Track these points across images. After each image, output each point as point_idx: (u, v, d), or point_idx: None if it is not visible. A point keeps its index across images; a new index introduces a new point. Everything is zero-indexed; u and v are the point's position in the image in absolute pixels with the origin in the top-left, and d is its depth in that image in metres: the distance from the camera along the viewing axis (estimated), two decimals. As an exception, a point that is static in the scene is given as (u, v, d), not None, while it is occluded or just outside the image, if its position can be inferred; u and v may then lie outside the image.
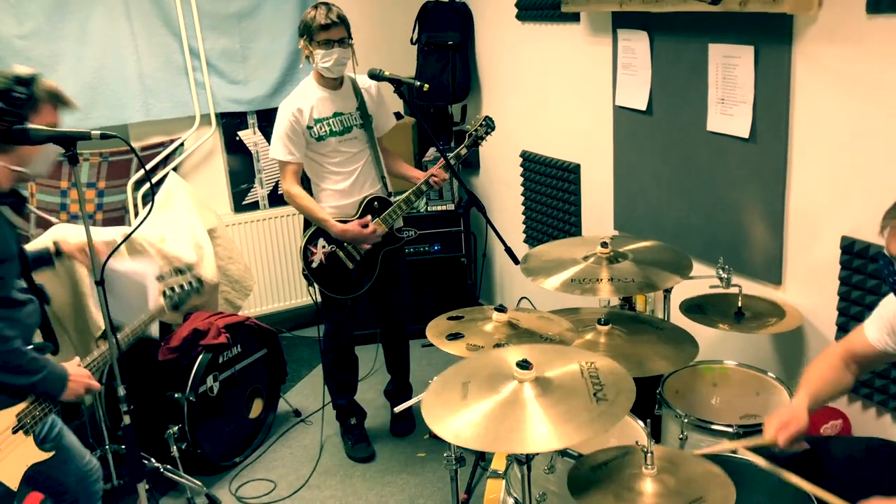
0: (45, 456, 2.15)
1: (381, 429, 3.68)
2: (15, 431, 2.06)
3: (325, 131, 3.16)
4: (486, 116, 3.27)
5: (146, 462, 3.10)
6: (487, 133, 3.27)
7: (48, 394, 2.15)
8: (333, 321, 3.39)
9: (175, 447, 3.10)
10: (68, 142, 2.05)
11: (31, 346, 2.12)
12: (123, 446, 3.03)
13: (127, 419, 2.31)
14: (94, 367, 2.32)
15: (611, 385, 1.80)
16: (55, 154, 2.12)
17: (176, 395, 3.17)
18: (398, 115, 4.62)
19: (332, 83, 3.19)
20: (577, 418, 1.70)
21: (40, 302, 2.22)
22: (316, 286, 3.26)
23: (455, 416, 1.77)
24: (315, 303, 3.34)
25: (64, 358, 2.25)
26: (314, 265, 3.22)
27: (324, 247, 3.22)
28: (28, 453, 2.10)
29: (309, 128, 3.14)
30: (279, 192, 4.59)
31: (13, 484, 2.04)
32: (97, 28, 3.95)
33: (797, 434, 1.89)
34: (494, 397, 1.79)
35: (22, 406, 2.08)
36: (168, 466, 3.13)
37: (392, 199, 3.31)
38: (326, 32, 3.03)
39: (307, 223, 3.28)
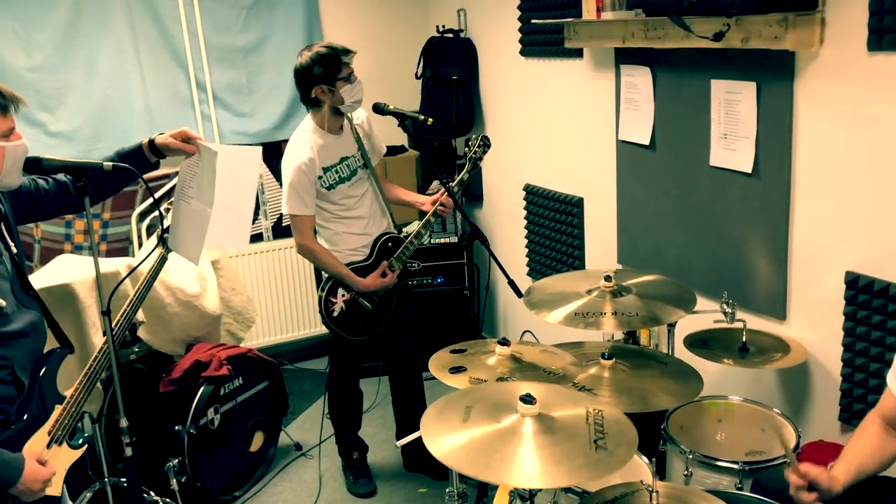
0: (78, 454, 2.12)
1: (383, 464, 3.64)
2: (49, 446, 2.06)
3: (335, 179, 3.12)
4: (483, 136, 3.21)
5: (146, 495, 3.07)
6: (485, 152, 3.21)
7: None
8: (342, 361, 3.37)
9: (175, 480, 3.07)
10: (80, 172, 2.05)
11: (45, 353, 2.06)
12: (123, 479, 3.00)
13: (128, 451, 2.29)
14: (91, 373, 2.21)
15: (613, 435, 1.77)
16: (21, 165, 1.94)
17: (176, 428, 3.15)
18: (402, 149, 4.65)
19: (337, 127, 3.13)
20: (571, 462, 1.68)
21: (42, 309, 2.10)
22: (336, 331, 3.23)
23: (451, 437, 1.77)
24: (335, 337, 3.31)
25: (73, 376, 2.22)
26: (335, 314, 3.19)
27: (343, 295, 3.18)
28: (63, 459, 2.10)
29: (319, 177, 3.08)
30: (283, 224, 4.60)
31: (56, 491, 2.05)
32: (105, 60, 4.00)
33: (820, 485, 1.78)
34: (494, 426, 1.79)
35: (50, 422, 2.07)
36: (168, 500, 3.10)
37: (401, 234, 3.31)
38: (350, 64, 3.00)
39: (320, 273, 3.23)
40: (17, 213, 2.10)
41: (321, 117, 3.10)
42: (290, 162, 3.06)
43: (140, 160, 2.21)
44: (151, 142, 2.22)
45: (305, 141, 3.08)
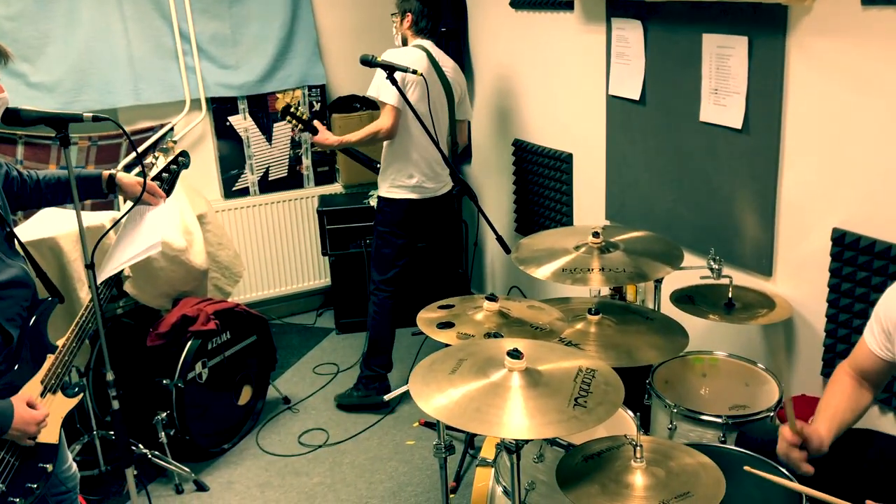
0: (74, 402, 2.15)
1: (370, 418, 3.67)
2: (43, 395, 2.07)
3: None
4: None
5: (134, 448, 3.09)
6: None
7: None
8: None
9: (163, 433, 3.10)
10: (60, 123, 2.03)
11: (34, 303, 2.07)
12: (111, 432, 3.02)
13: (115, 404, 2.30)
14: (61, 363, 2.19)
15: (597, 395, 1.78)
16: None
17: (164, 382, 3.16)
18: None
19: None
20: (546, 417, 1.70)
21: (30, 261, 2.12)
22: None
23: (439, 385, 1.81)
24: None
25: (60, 331, 2.21)
26: None
27: None
28: (59, 407, 2.12)
29: None
30: (269, 179, 4.57)
31: (54, 439, 2.07)
32: (86, 10, 3.91)
33: (810, 445, 1.78)
34: (483, 379, 1.82)
35: (43, 371, 2.08)
36: (156, 453, 3.13)
37: None
38: None
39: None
40: (10, 199, 2.11)
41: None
42: None
43: (94, 186, 2.29)
44: (112, 177, 2.30)
45: None
